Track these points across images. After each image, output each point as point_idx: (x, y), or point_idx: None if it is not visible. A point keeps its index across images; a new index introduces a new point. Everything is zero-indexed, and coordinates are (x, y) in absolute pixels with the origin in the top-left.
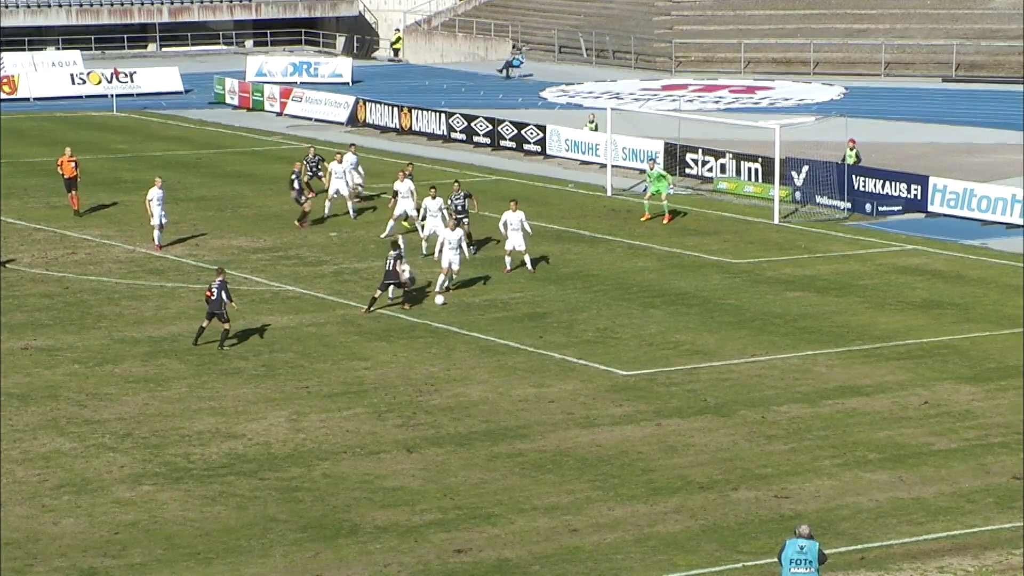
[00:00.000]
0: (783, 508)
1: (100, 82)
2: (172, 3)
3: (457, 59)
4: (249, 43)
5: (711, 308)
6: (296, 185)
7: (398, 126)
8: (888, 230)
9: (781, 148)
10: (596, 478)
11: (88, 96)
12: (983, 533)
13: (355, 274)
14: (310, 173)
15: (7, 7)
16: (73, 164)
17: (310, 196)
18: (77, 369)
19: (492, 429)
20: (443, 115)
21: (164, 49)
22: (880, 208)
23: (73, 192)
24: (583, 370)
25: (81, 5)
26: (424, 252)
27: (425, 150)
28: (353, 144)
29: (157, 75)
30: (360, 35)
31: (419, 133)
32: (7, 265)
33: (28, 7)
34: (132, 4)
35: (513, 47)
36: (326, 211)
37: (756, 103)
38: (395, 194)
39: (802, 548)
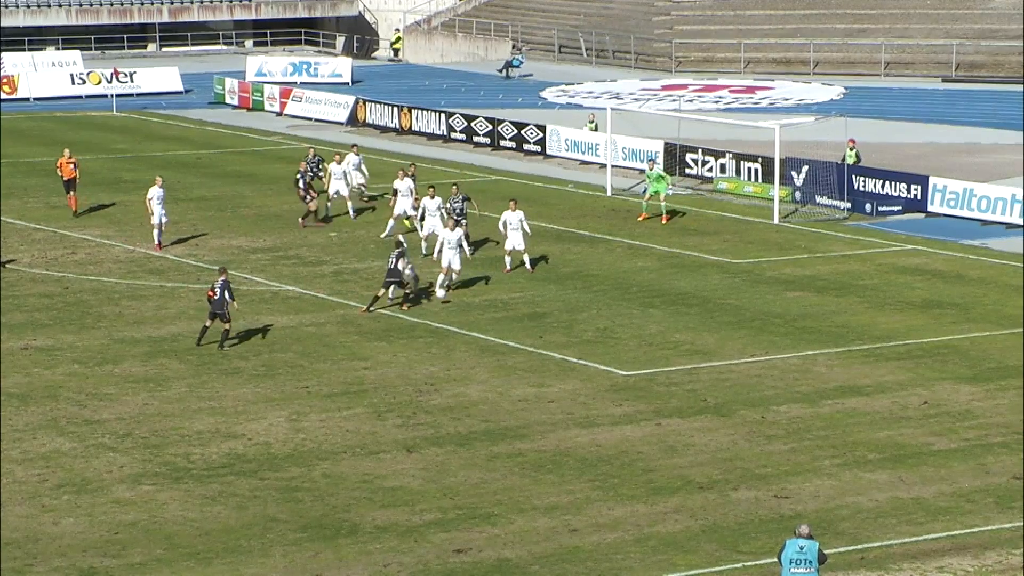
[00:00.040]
0: (783, 508)
1: (100, 82)
2: (172, 3)
3: (457, 59)
4: (249, 43)
5: (711, 308)
6: (302, 184)
7: (398, 126)
8: (888, 230)
9: (781, 148)
10: (596, 478)
11: (88, 96)
12: (983, 533)
13: (355, 274)
14: (311, 174)
15: (7, 7)
16: (72, 166)
17: (313, 196)
18: (77, 369)
19: (492, 429)
20: (443, 115)
21: (164, 49)
22: (880, 208)
23: (72, 193)
24: (583, 370)
25: (81, 5)
26: (424, 252)
27: (425, 150)
28: (355, 145)
29: (157, 75)
30: (360, 35)
31: (419, 133)
32: (7, 265)
33: (28, 7)
34: (132, 4)
35: (513, 47)
36: (327, 212)
37: (756, 103)
38: (395, 192)
39: (802, 548)
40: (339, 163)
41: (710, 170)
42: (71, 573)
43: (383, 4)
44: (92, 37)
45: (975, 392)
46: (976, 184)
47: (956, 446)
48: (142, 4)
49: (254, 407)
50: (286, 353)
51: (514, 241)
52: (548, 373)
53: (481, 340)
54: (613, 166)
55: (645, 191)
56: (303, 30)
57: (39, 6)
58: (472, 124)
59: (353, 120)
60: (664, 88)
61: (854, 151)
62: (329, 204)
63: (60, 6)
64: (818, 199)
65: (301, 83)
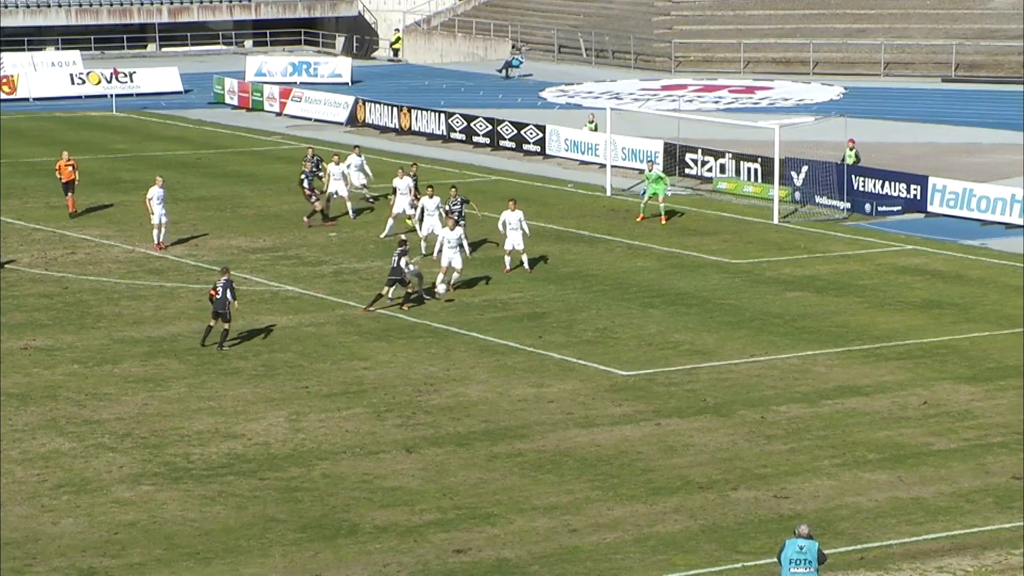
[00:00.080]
0: (782, 508)
1: (99, 82)
2: (171, 3)
3: (456, 59)
4: (248, 43)
5: (710, 308)
6: (307, 185)
7: (397, 126)
8: (887, 230)
9: (780, 148)
10: (595, 478)
11: (87, 96)
12: (982, 533)
13: (354, 274)
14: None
15: (7, 7)
16: (71, 168)
17: (318, 196)
18: (76, 369)
19: (491, 429)
20: (442, 115)
21: (163, 49)
22: (879, 208)
23: (70, 195)
24: (582, 370)
25: (80, 5)
26: (424, 252)
27: (424, 150)
28: (357, 146)
29: (156, 75)
30: (359, 35)
31: (418, 133)
32: (7, 265)
33: (28, 7)
34: (132, 4)
35: (512, 47)
36: (327, 212)
37: (755, 103)
38: (394, 191)
39: (801, 548)
40: (337, 163)
41: (710, 170)
42: (71, 573)
43: (383, 4)
44: (92, 37)
45: (975, 392)
46: (976, 184)
47: (956, 446)
48: (142, 4)
49: (254, 407)
50: (286, 353)
51: (513, 241)
52: (548, 373)
53: (481, 340)
54: (613, 166)
55: (644, 192)
56: (303, 30)
57: (39, 6)
58: (472, 124)
59: (353, 120)
60: (664, 88)
61: (854, 151)
62: (328, 204)
63: (60, 6)
64: (818, 199)
65: (301, 83)
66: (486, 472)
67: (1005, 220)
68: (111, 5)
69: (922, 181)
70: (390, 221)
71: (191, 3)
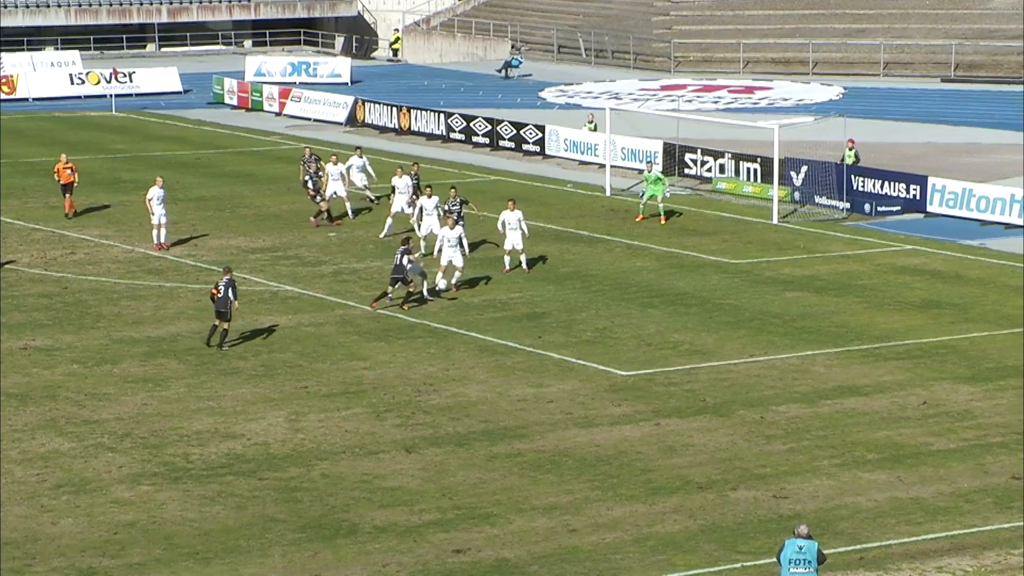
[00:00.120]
0: (782, 508)
1: (99, 82)
2: (171, 3)
3: (456, 59)
4: (248, 43)
5: (710, 308)
6: (311, 185)
7: (397, 126)
8: (887, 230)
9: (780, 148)
10: (595, 478)
11: (87, 96)
12: (982, 533)
13: (354, 274)
14: (307, 172)
15: (6, 7)
16: (69, 170)
17: (324, 196)
18: (76, 369)
19: (491, 429)
20: (442, 115)
21: (163, 49)
22: (879, 208)
23: (68, 196)
24: (582, 370)
25: (80, 5)
26: (423, 251)
27: (424, 150)
28: (359, 147)
29: (156, 75)
30: (359, 35)
31: (418, 133)
32: (6, 266)
33: (27, 7)
34: (131, 4)
35: (512, 47)
36: (337, 211)
37: (755, 103)
38: (393, 190)
39: (801, 548)
40: (335, 163)
41: (709, 170)
42: (70, 573)
43: (382, 4)
44: (91, 37)
45: (974, 392)
46: (975, 184)
47: (955, 446)
48: (141, 4)
49: (253, 407)
50: (285, 353)
51: (513, 241)
52: (547, 373)
53: (480, 340)
54: (612, 166)
55: (643, 194)
56: (302, 30)
57: (38, 6)
58: (471, 124)
59: (352, 120)
60: (663, 88)
61: (853, 151)
62: (327, 205)
63: (59, 6)
64: (817, 199)
65: (300, 83)
66: (485, 472)
67: (1004, 220)
68: (110, 5)
69: (921, 181)
70: (389, 220)
71: (190, 3)
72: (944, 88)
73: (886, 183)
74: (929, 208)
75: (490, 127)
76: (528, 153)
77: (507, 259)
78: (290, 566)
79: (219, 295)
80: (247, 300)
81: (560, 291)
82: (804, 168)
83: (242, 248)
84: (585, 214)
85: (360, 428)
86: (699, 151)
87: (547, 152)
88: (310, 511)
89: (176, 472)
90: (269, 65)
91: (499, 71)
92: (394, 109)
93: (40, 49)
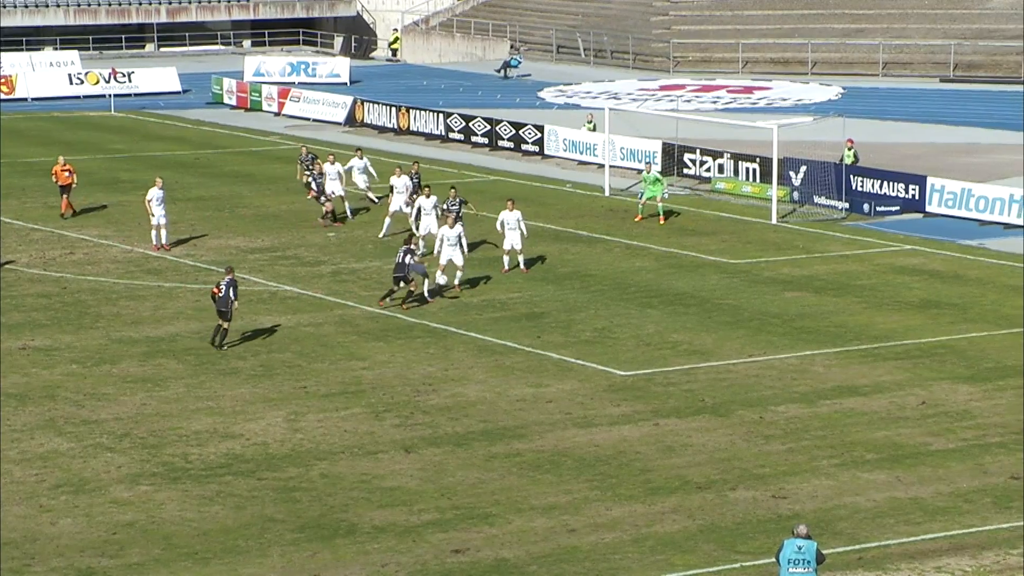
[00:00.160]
0: (781, 508)
1: (98, 82)
2: (170, 3)
3: (455, 59)
4: (247, 43)
5: (709, 308)
6: (315, 186)
7: (396, 126)
8: (886, 230)
9: (779, 148)
10: (594, 478)
11: (86, 96)
12: (981, 533)
13: (353, 274)
14: (307, 173)
15: (5, 7)
16: (67, 172)
17: (329, 197)
18: (75, 369)
19: (490, 429)
20: (441, 115)
21: (162, 49)
22: (878, 208)
23: (65, 196)
24: (581, 370)
25: (79, 5)
26: (423, 250)
27: (423, 150)
28: (359, 148)
29: (155, 75)
30: (358, 35)
31: (417, 133)
32: (5, 266)
33: (26, 7)
34: (130, 4)
35: (511, 47)
36: (323, 212)
37: (754, 103)
38: (391, 189)
39: (800, 548)
40: (332, 163)
41: (708, 170)
42: (69, 573)
43: (381, 4)
44: (90, 37)
45: (973, 392)
46: (974, 184)
47: (954, 446)
48: (140, 4)
49: (252, 407)
50: (284, 353)
51: (511, 241)
52: (546, 373)
53: (479, 340)
54: (611, 166)
55: (641, 194)
56: (301, 30)
57: (37, 6)
58: (470, 124)
59: (351, 120)
60: (662, 88)
61: (852, 151)
62: (331, 205)
63: (58, 6)
64: (816, 199)
65: (299, 83)
66: (484, 472)
67: (1003, 220)
68: (109, 5)
69: (920, 181)
70: (387, 220)
71: (189, 3)
72: (943, 88)
73: (885, 183)
74: (928, 208)
75: (489, 127)
76: (527, 153)
77: (506, 259)
78: (289, 566)
79: (220, 294)
80: (246, 300)
81: (559, 291)
82: (803, 168)
83: (241, 248)
84: (584, 214)
85: (359, 428)
86: (698, 151)
87: (546, 152)
88: (309, 511)
89: (175, 472)
90: (268, 65)
91: (498, 71)
92: (393, 109)
93: (39, 49)
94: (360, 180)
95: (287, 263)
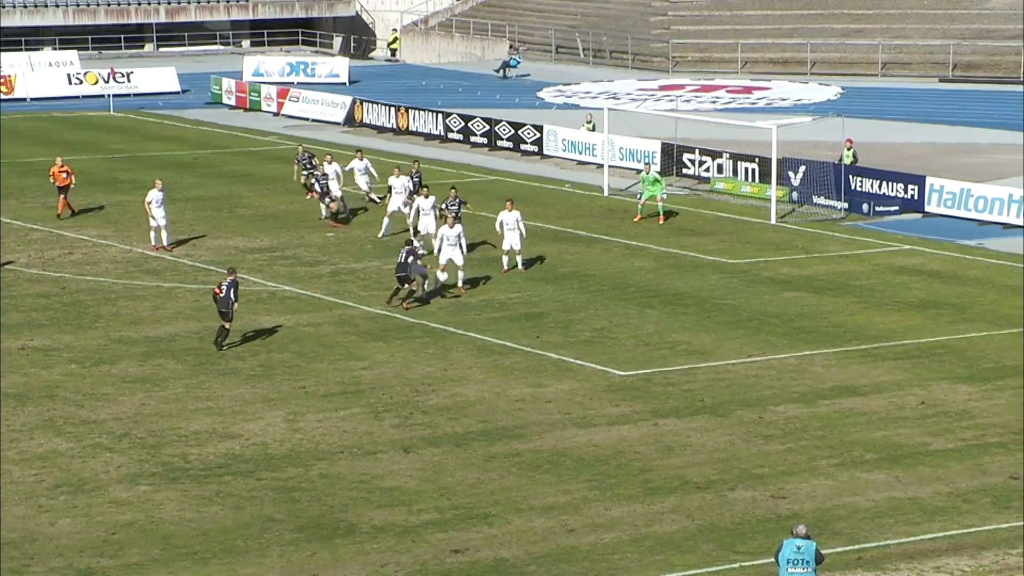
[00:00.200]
0: (780, 508)
1: (97, 82)
2: (169, 3)
3: (454, 59)
4: (246, 43)
5: (708, 308)
6: (318, 188)
7: (395, 126)
8: (885, 230)
9: (778, 148)
10: (593, 478)
11: (85, 96)
12: (980, 533)
13: (352, 274)
14: (305, 173)
15: (4, 7)
16: (65, 174)
17: (333, 198)
18: (74, 369)
19: (489, 429)
20: (440, 115)
21: (161, 49)
22: (877, 208)
23: (63, 197)
24: (580, 370)
25: (78, 5)
26: (422, 250)
27: (422, 150)
28: (359, 149)
29: (154, 75)
30: (357, 35)
31: (416, 133)
32: (5, 267)
33: (25, 7)
34: (129, 4)
35: (510, 47)
36: (323, 213)
37: (753, 103)
38: (389, 190)
39: (799, 548)
40: (330, 163)
41: (707, 170)
42: (68, 573)
43: (380, 4)
44: (89, 37)
45: (972, 392)
46: (973, 184)
47: (953, 446)
48: (139, 4)
49: (251, 407)
50: (283, 353)
51: (510, 241)
52: (545, 373)
53: (478, 340)
54: (610, 166)
55: (640, 194)
56: (300, 30)
57: (36, 6)
58: (469, 124)
59: (350, 120)
60: (661, 88)
61: (851, 151)
62: (322, 205)
63: (57, 6)
64: (815, 199)
65: (298, 83)
66: (483, 472)
67: (1002, 220)
68: (108, 5)
69: (919, 181)
70: (386, 220)
71: (188, 3)
72: (942, 88)
73: (884, 183)
74: (927, 208)
75: (488, 127)
76: (526, 153)
77: (505, 259)
78: (288, 566)
79: (221, 295)
80: (245, 300)
81: (558, 291)
82: (802, 168)
83: (240, 248)
84: (583, 214)
85: (358, 428)
86: (697, 151)
87: (545, 152)
88: (308, 511)
89: (174, 472)
90: (267, 65)
91: (497, 71)
92: (392, 109)
93: (38, 49)
94: (362, 181)
95: (286, 263)
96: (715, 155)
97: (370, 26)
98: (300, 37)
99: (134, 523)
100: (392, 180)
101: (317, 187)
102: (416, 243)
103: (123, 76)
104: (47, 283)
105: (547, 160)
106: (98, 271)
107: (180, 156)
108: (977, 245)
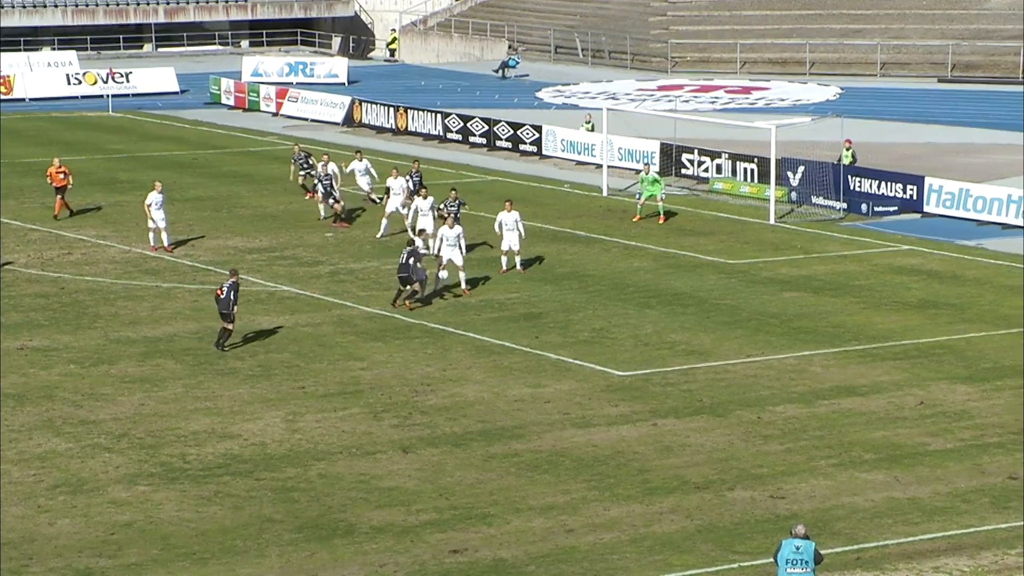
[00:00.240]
0: (779, 508)
1: (96, 82)
2: (168, 3)
3: (453, 59)
4: (245, 43)
5: (707, 308)
6: (321, 189)
7: (394, 126)
8: (884, 230)
9: (777, 148)
10: (592, 478)
11: (84, 96)
12: (979, 533)
13: (351, 274)
14: (303, 173)
15: (3, 7)
16: (62, 175)
17: (336, 199)
18: (73, 369)
19: (488, 429)
20: (439, 115)
21: (160, 49)
22: (876, 208)
23: (60, 197)
24: (579, 370)
25: (77, 5)
26: (422, 250)
27: (421, 150)
28: (359, 150)
29: (153, 75)
30: (356, 35)
31: (415, 133)
32: (4, 267)
33: (24, 7)
34: (128, 4)
35: (509, 47)
36: (322, 213)
37: (752, 103)
38: (387, 191)
39: (798, 548)
40: (327, 163)
41: (706, 170)
42: (67, 573)
43: (379, 4)
44: (88, 37)
45: (971, 392)
46: (972, 184)
47: (952, 446)
48: (138, 4)
49: (250, 407)
50: (282, 353)
51: (509, 241)
52: (544, 373)
53: (477, 340)
54: (609, 166)
55: (639, 195)
56: (299, 30)
57: (35, 6)
58: (468, 124)
59: (349, 120)
60: (660, 88)
61: (850, 151)
62: (321, 205)
63: (56, 6)
64: (814, 199)
65: (297, 83)
66: (482, 472)
67: (1001, 220)
68: (107, 5)
69: (918, 181)
70: (384, 220)
71: (187, 3)
72: (941, 88)
73: (883, 183)
74: (926, 208)
75: (487, 127)
76: (525, 153)
77: (504, 260)
78: (287, 566)
79: (222, 296)
80: (245, 300)
81: (557, 291)
82: (801, 168)
83: (239, 248)
84: (582, 214)
85: (357, 428)
86: (696, 151)
87: (544, 152)
88: (307, 511)
89: (173, 472)
90: (266, 65)
91: (496, 71)
92: (391, 109)
93: (37, 49)
94: (363, 182)
95: (285, 263)
96: (714, 155)
97: (369, 26)
98: (299, 37)
99: (133, 523)
100: (390, 181)
101: (321, 188)
102: (418, 242)
103: (122, 76)
104: (46, 283)
105: (546, 160)
106: (97, 271)
107: (179, 156)
108: (976, 245)
